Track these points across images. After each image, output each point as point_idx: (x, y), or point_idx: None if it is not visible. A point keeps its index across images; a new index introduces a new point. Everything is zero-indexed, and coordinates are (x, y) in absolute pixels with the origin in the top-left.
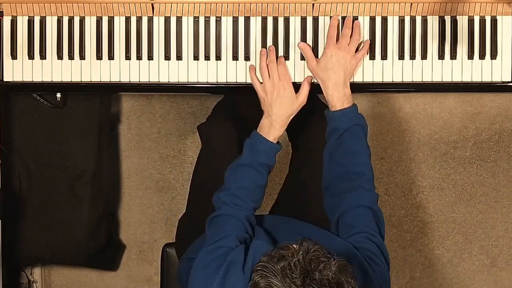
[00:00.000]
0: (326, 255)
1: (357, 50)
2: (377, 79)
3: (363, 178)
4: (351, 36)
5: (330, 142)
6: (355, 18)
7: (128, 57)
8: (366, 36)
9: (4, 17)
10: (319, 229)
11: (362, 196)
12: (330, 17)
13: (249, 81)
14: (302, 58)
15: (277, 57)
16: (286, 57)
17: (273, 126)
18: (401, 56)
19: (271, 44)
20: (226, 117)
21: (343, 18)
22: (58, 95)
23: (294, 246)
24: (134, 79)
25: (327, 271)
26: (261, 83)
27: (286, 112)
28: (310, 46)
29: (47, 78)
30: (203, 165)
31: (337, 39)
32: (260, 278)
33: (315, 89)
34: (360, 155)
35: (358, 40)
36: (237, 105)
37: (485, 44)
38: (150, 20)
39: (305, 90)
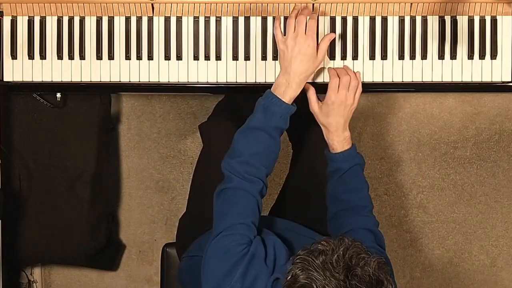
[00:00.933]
0: (366, 252)
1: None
2: (377, 79)
3: (366, 209)
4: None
5: (333, 180)
6: (355, 18)
7: (128, 57)
8: (366, 36)
9: (4, 17)
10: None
11: (365, 221)
12: (330, 17)
13: (249, 81)
14: None
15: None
16: None
17: (289, 86)
18: (401, 56)
19: (272, 44)
20: (227, 117)
21: (343, 18)
22: (58, 95)
23: (334, 241)
24: (134, 79)
25: (367, 267)
26: (284, 35)
27: (306, 70)
28: (314, 89)
29: (47, 78)
30: (204, 165)
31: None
32: (300, 271)
33: (316, 89)
34: (361, 190)
35: (356, 85)
36: (239, 104)
37: (485, 44)
38: (150, 20)
39: (324, 46)
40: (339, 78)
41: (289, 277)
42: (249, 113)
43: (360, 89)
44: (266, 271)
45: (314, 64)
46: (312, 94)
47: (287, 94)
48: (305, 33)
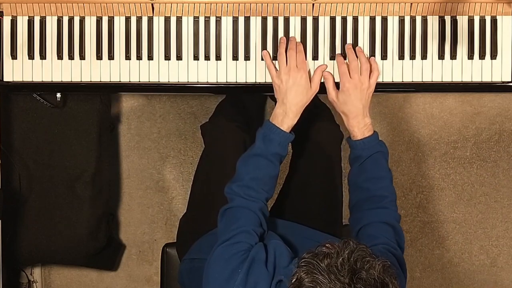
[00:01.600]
0: (371, 255)
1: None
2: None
3: (386, 200)
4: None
5: (353, 168)
6: (355, 18)
7: (128, 57)
8: (366, 36)
9: (4, 17)
10: (325, 235)
11: (384, 214)
12: (330, 17)
13: (249, 81)
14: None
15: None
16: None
17: (287, 115)
18: (401, 56)
19: (272, 44)
20: (229, 117)
21: (343, 18)
22: (58, 95)
23: (339, 244)
24: (134, 79)
25: (372, 270)
26: (277, 70)
27: (301, 100)
28: (332, 77)
29: (47, 78)
30: (205, 166)
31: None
32: (305, 274)
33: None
34: (382, 179)
35: (368, 68)
36: (240, 105)
37: (485, 44)
38: (150, 20)
39: (317, 78)
40: (347, 63)
41: (294, 280)
42: (251, 113)
43: (376, 72)
44: (266, 275)
45: (308, 94)
46: (329, 83)
47: (285, 123)
48: (296, 66)
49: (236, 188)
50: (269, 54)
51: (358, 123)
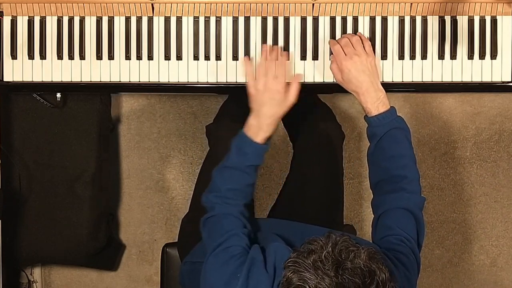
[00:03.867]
0: (354, 245)
1: None
2: None
3: (405, 180)
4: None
5: (371, 146)
6: (355, 18)
7: (128, 57)
8: (366, 36)
9: (4, 17)
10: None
11: (402, 198)
12: (330, 17)
13: None
14: (302, 58)
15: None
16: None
17: (261, 128)
18: (401, 56)
19: (271, 44)
20: (234, 118)
21: (343, 18)
22: (58, 95)
23: (322, 239)
24: (134, 79)
25: (358, 259)
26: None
27: (275, 113)
28: (336, 63)
29: (47, 78)
30: (210, 167)
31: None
32: (292, 273)
33: (316, 89)
34: (400, 158)
35: (358, 39)
36: (245, 105)
37: (485, 44)
38: (150, 20)
39: (293, 90)
40: (339, 43)
41: (283, 280)
42: None
43: (367, 41)
44: (267, 277)
45: (283, 107)
46: (333, 65)
47: (259, 135)
48: (275, 78)
49: (214, 198)
50: (249, 59)
51: (371, 98)
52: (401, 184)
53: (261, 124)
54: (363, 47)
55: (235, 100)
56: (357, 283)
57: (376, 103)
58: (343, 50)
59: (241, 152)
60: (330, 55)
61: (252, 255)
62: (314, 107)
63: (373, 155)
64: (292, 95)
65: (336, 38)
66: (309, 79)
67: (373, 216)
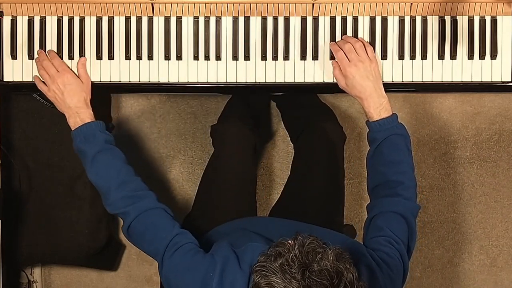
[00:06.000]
0: (321, 246)
1: None
2: None
3: (402, 186)
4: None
5: (370, 150)
6: (355, 18)
7: (128, 57)
8: (366, 36)
9: (4, 17)
10: (319, 228)
11: (397, 203)
12: (330, 17)
13: (249, 81)
14: (302, 58)
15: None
16: (286, 57)
17: (79, 115)
18: (401, 56)
19: (271, 44)
20: (239, 118)
21: (343, 18)
22: None
23: (290, 241)
24: (134, 79)
25: (324, 261)
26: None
27: (80, 98)
28: (338, 66)
29: None
30: (215, 166)
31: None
32: (260, 278)
33: (317, 89)
34: (399, 164)
35: (361, 45)
36: (249, 104)
37: (485, 44)
38: (150, 20)
39: (81, 70)
40: (342, 49)
41: (252, 285)
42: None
43: (369, 46)
44: (242, 274)
45: (83, 88)
46: (336, 71)
47: (83, 118)
48: (57, 71)
49: (115, 196)
50: (38, 78)
51: (374, 103)
52: (397, 190)
53: (78, 112)
54: (366, 52)
55: (239, 99)
56: (325, 285)
57: (378, 108)
58: (346, 56)
59: (88, 140)
60: (330, 55)
61: (224, 253)
62: (315, 108)
63: (372, 159)
64: (83, 75)
65: (336, 38)
66: (309, 79)
67: None
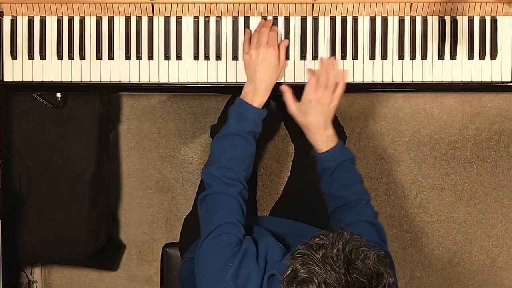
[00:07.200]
0: (365, 245)
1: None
2: (377, 79)
3: (363, 202)
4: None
5: (324, 180)
6: (355, 18)
7: (128, 57)
8: (366, 36)
9: (4, 17)
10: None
11: (363, 213)
12: (330, 17)
13: None
14: (302, 58)
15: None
16: (286, 57)
17: (257, 92)
18: (401, 56)
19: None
20: None
21: (343, 18)
22: (58, 95)
23: (333, 235)
24: (134, 79)
25: (367, 260)
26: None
27: (270, 78)
28: (291, 90)
29: (47, 78)
30: None
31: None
32: (300, 265)
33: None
34: (354, 185)
35: (333, 84)
36: None
37: (485, 44)
38: (150, 20)
39: (282, 54)
40: (317, 77)
41: (289, 271)
42: None
43: (341, 88)
44: (257, 270)
45: (277, 72)
46: (288, 95)
47: (256, 100)
48: (267, 43)
49: (214, 170)
50: (250, 33)
51: (321, 136)
52: (359, 206)
53: (257, 88)
54: (333, 91)
55: None
56: (363, 284)
57: (325, 140)
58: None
59: (240, 118)
60: (330, 55)
61: (245, 246)
62: None
63: (328, 188)
64: (282, 61)
65: (336, 38)
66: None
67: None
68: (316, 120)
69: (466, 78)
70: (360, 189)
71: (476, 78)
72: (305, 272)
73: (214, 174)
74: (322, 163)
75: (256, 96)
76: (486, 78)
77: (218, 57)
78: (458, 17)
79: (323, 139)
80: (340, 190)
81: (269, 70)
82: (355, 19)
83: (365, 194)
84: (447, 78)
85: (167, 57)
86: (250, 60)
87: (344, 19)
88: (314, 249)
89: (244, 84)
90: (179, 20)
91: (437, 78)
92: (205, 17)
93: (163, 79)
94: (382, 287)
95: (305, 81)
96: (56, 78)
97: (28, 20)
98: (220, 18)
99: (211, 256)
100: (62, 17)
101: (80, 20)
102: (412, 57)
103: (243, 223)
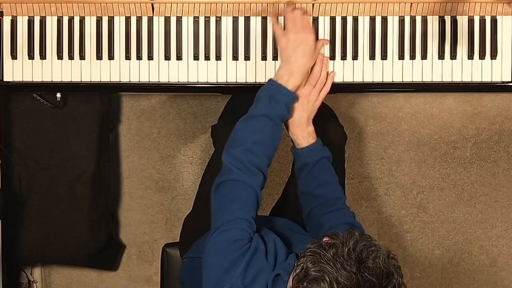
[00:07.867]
0: (375, 245)
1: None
2: (377, 79)
3: (340, 201)
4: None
5: (302, 177)
6: (355, 18)
7: (128, 57)
8: (366, 36)
9: (4, 17)
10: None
11: (343, 215)
12: (330, 17)
13: (249, 81)
14: None
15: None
16: None
17: (292, 75)
18: (401, 56)
19: (272, 44)
20: (240, 117)
21: (343, 18)
22: (58, 95)
23: (343, 235)
24: (134, 79)
25: (378, 260)
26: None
27: (306, 62)
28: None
29: (47, 78)
30: (215, 167)
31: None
32: (311, 264)
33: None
34: (333, 183)
35: (323, 83)
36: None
37: (485, 44)
38: (150, 20)
39: (319, 45)
40: (310, 72)
41: (299, 270)
42: None
43: (326, 88)
44: (267, 267)
45: (313, 58)
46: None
47: (290, 83)
48: (304, 27)
49: (239, 154)
50: (276, 15)
51: (302, 131)
52: (338, 206)
53: (293, 71)
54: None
55: (239, 99)
56: (373, 283)
57: (306, 136)
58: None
59: (273, 99)
60: (330, 55)
61: (255, 245)
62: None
63: (306, 186)
64: (318, 50)
65: (337, 38)
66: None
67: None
68: (299, 115)
69: (466, 78)
70: (338, 188)
71: (476, 78)
72: (316, 270)
73: (238, 157)
74: (302, 158)
75: (292, 79)
76: (486, 78)
77: (218, 57)
78: (458, 17)
79: (304, 134)
80: (320, 188)
81: (306, 53)
82: (355, 19)
83: (342, 194)
84: (447, 78)
85: (167, 57)
86: (288, 42)
87: (344, 19)
88: (325, 248)
89: (244, 84)
90: (179, 20)
91: (437, 78)
92: (205, 17)
93: (163, 79)
94: (392, 287)
95: None
96: (56, 78)
97: (28, 20)
98: (220, 18)
99: (221, 249)
100: (62, 17)
101: (80, 20)
102: (412, 57)
103: (255, 218)
